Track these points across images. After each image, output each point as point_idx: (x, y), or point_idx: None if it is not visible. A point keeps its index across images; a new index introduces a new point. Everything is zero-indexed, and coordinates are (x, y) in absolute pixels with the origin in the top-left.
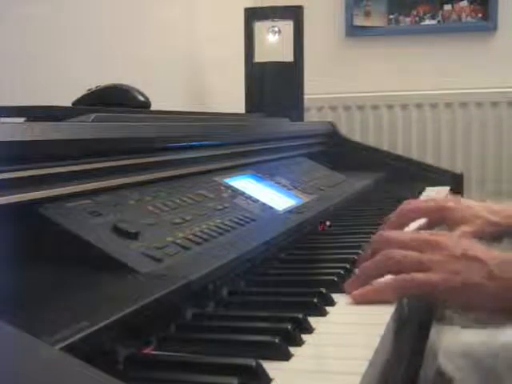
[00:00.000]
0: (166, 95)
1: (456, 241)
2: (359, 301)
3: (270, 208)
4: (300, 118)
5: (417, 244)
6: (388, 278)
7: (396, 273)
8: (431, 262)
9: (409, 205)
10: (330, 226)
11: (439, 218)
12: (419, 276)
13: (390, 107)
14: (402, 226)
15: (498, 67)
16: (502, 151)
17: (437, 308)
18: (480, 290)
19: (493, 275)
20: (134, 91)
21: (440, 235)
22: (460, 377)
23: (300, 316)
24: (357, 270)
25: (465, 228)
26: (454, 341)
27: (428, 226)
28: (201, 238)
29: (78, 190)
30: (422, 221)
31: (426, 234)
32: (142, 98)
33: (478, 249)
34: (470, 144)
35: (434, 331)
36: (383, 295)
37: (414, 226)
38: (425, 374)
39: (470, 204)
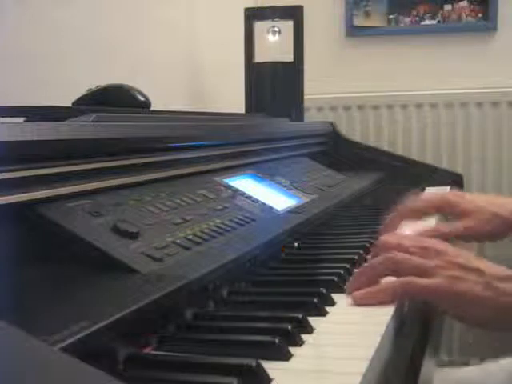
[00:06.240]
0: (166, 95)
1: (455, 251)
2: (359, 302)
3: (270, 208)
4: (300, 118)
5: (417, 250)
6: (389, 280)
7: (396, 275)
8: (433, 268)
9: (412, 200)
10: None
11: (442, 211)
12: (421, 281)
13: (390, 107)
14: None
15: (498, 67)
16: (502, 151)
17: (437, 308)
18: (479, 301)
19: (491, 286)
20: (134, 91)
21: (439, 244)
22: None
23: (300, 316)
24: (356, 271)
25: (467, 222)
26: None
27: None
28: (201, 238)
29: (77, 190)
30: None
31: (426, 241)
32: (142, 98)
33: (478, 261)
34: (470, 144)
35: (425, 369)
36: (383, 298)
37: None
38: None
39: (474, 197)
